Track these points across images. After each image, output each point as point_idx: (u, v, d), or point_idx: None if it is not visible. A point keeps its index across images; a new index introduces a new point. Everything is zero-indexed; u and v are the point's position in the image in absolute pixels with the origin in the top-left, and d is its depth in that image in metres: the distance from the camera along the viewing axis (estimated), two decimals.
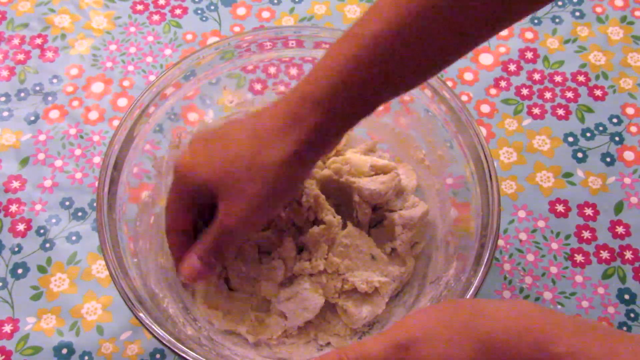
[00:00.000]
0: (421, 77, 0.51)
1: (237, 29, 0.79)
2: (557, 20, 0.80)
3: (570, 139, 0.73)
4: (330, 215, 0.58)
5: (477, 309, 0.41)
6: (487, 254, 0.51)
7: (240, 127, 0.50)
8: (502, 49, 0.78)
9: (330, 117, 0.47)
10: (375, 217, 0.61)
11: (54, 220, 0.68)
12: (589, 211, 0.69)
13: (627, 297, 0.65)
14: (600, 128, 0.73)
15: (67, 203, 0.69)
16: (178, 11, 0.81)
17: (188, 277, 0.52)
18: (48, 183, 0.70)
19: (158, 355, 0.62)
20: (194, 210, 0.52)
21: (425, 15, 0.45)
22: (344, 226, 0.59)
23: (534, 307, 0.40)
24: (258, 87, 0.65)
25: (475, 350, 0.39)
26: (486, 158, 0.55)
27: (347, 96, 0.47)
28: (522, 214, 0.69)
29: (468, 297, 0.50)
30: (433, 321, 0.41)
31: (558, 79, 0.76)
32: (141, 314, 0.49)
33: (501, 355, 0.38)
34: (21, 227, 0.68)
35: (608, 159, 0.71)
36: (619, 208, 0.69)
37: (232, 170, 0.48)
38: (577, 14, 0.80)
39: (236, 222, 0.49)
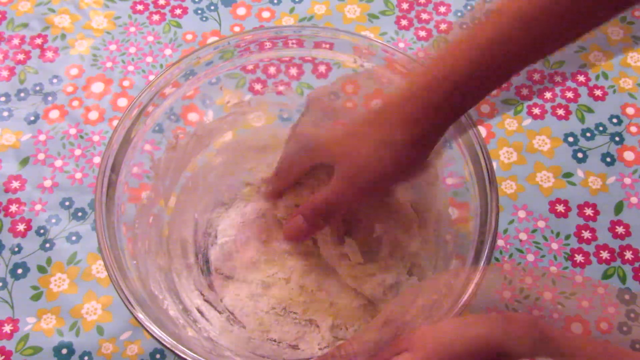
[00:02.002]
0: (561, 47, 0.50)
1: (237, 29, 0.79)
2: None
3: (570, 139, 0.73)
4: None
5: (492, 327, 0.41)
6: (486, 251, 0.51)
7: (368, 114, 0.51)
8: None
9: (465, 99, 0.48)
10: None
11: (54, 220, 0.68)
12: (589, 211, 0.69)
13: (627, 297, 0.65)
14: (600, 128, 0.73)
15: (67, 203, 0.69)
16: (178, 11, 0.81)
17: (291, 234, 0.54)
18: (48, 183, 0.70)
19: (158, 356, 0.62)
20: (303, 169, 0.55)
21: None
22: None
23: (540, 325, 0.40)
24: (258, 87, 0.65)
25: None
26: (485, 158, 0.55)
27: (477, 82, 0.47)
28: (522, 214, 0.69)
29: (467, 295, 0.50)
30: (433, 340, 0.41)
31: (558, 79, 0.76)
32: (141, 316, 0.49)
33: None
34: (21, 227, 0.68)
35: (608, 159, 0.71)
36: (619, 208, 0.69)
37: (358, 146, 0.49)
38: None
39: (350, 188, 0.50)
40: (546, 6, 0.44)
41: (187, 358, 0.48)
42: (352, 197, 0.51)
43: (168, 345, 0.48)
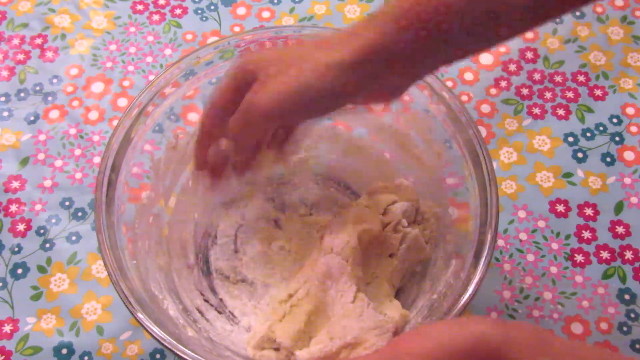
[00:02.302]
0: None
1: (237, 28, 0.79)
2: (557, 20, 0.80)
3: (571, 139, 0.73)
4: None
5: (479, 331, 0.39)
6: (486, 250, 0.51)
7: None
8: (503, 49, 0.78)
9: (391, 39, 0.46)
10: None
11: (54, 220, 0.68)
12: (589, 211, 0.69)
13: (627, 297, 0.65)
14: (601, 128, 0.73)
15: (67, 203, 0.69)
16: (178, 11, 0.81)
17: (213, 156, 0.53)
18: (48, 183, 0.70)
19: (158, 356, 0.62)
20: (237, 96, 0.51)
21: None
22: None
23: (537, 331, 0.39)
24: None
25: None
26: (485, 158, 0.55)
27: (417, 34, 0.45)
28: (522, 214, 0.69)
29: (468, 294, 0.50)
30: (427, 340, 0.40)
31: (558, 78, 0.76)
32: (141, 316, 0.49)
33: None
34: (21, 227, 0.68)
35: (608, 159, 0.71)
36: (619, 208, 0.69)
37: (283, 56, 0.48)
38: (578, 13, 0.80)
39: (266, 100, 0.47)
40: None
41: (187, 358, 0.48)
42: (268, 110, 0.48)
43: (168, 346, 0.48)
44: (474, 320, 0.40)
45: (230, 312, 0.61)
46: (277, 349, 0.54)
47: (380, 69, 0.47)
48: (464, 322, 0.40)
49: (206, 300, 0.61)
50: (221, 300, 0.61)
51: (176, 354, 0.48)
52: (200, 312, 0.59)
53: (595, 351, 0.39)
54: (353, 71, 0.47)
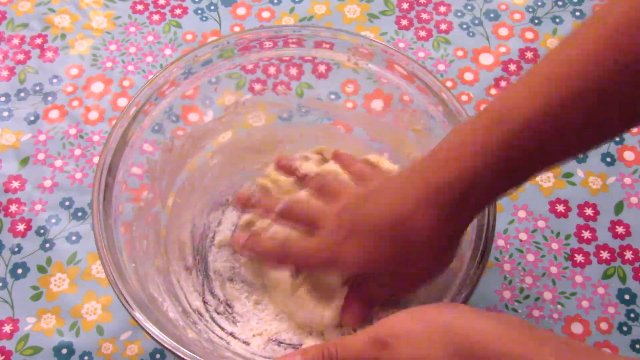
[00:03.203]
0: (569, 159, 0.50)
1: (237, 29, 0.79)
2: (557, 20, 0.80)
3: None
4: None
5: (460, 313, 0.41)
6: (484, 247, 0.51)
7: (392, 225, 0.50)
8: (503, 49, 0.78)
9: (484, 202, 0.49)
10: None
11: (53, 220, 0.68)
12: (589, 211, 0.69)
13: (627, 297, 0.65)
14: None
15: (67, 203, 0.69)
16: (178, 11, 0.81)
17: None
18: (48, 183, 0.70)
19: (158, 356, 0.62)
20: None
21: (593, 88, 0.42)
22: None
23: (518, 320, 0.41)
24: (258, 87, 0.65)
25: (451, 353, 0.39)
26: None
27: (496, 184, 0.47)
28: (522, 214, 0.69)
29: (466, 292, 0.50)
30: (415, 321, 0.42)
31: None
32: (140, 317, 0.49)
33: None
34: (21, 227, 0.68)
35: (608, 159, 0.71)
36: (619, 208, 0.69)
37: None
38: (577, 14, 0.80)
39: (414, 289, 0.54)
40: (555, 114, 0.43)
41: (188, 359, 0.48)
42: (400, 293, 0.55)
43: (169, 347, 0.48)
44: (447, 308, 0.43)
45: (229, 313, 0.61)
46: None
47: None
48: (441, 308, 0.43)
49: (205, 302, 0.61)
50: (220, 301, 0.61)
51: (177, 356, 0.48)
52: (199, 313, 0.59)
53: (558, 339, 0.40)
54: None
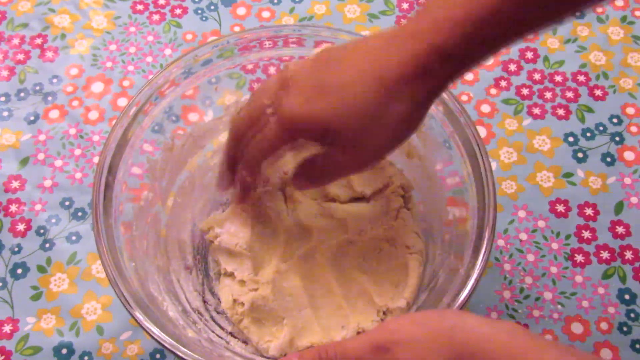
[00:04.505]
0: (554, 21, 0.48)
1: (237, 28, 0.79)
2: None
3: (571, 139, 0.72)
4: None
5: (461, 320, 0.41)
6: (484, 246, 0.51)
7: (359, 70, 0.46)
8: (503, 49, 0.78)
9: (458, 68, 0.46)
10: None
11: (53, 220, 0.68)
12: (589, 211, 0.69)
13: (627, 297, 0.65)
14: (601, 128, 0.73)
15: (67, 203, 0.69)
16: (178, 11, 0.81)
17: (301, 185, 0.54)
18: (48, 183, 0.70)
19: (158, 356, 0.62)
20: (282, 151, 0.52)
21: None
22: None
23: (520, 329, 0.40)
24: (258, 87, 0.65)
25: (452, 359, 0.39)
26: (482, 158, 0.55)
27: (479, 49, 0.45)
28: (522, 214, 0.69)
29: (467, 291, 0.50)
30: (416, 326, 0.41)
31: (558, 78, 0.76)
32: (141, 317, 0.49)
33: None
34: (21, 227, 0.68)
35: (608, 159, 0.71)
36: (619, 208, 0.69)
37: (360, 117, 0.46)
38: (578, 13, 0.80)
39: (357, 166, 0.51)
40: None
41: (188, 359, 0.48)
42: (354, 171, 0.51)
43: (169, 347, 0.48)
44: (449, 314, 0.43)
45: (225, 311, 0.61)
46: None
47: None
48: (443, 314, 0.43)
49: (205, 301, 0.61)
50: (219, 301, 0.61)
51: (177, 355, 0.48)
52: (199, 313, 0.59)
53: (559, 347, 0.40)
54: (425, 111, 0.48)
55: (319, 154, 0.50)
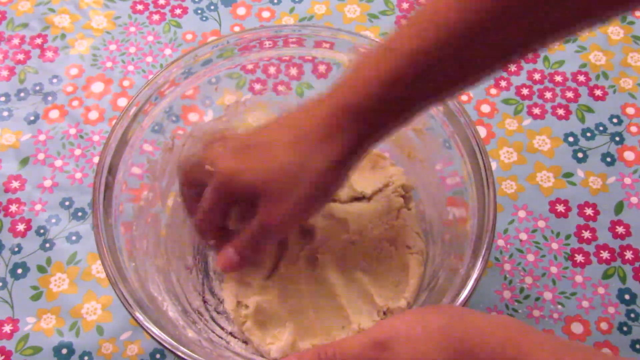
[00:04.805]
0: (462, 88, 0.51)
1: (237, 28, 0.79)
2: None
3: (571, 139, 0.72)
4: None
5: (459, 315, 0.42)
6: (484, 247, 0.51)
7: (281, 133, 0.51)
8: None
9: (371, 128, 0.49)
10: None
11: (53, 220, 0.68)
12: (589, 211, 0.69)
13: (627, 297, 0.65)
14: (601, 128, 0.73)
15: (67, 203, 0.69)
16: (178, 11, 0.81)
17: (225, 267, 0.55)
18: (48, 183, 0.70)
19: (158, 356, 0.62)
20: (228, 209, 0.55)
21: (463, 34, 0.45)
22: None
23: (515, 322, 0.41)
24: (258, 87, 0.65)
25: (450, 355, 0.40)
26: (483, 158, 0.55)
27: (387, 109, 0.48)
28: (522, 214, 0.69)
29: (467, 291, 0.50)
30: (413, 323, 0.42)
31: (558, 78, 0.76)
32: (141, 317, 0.49)
33: None
34: (21, 227, 0.68)
35: (608, 159, 0.71)
36: (619, 208, 0.69)
37: (279, 176, 0.50)
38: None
39: (279, 222, 0.51)
40: (438, 47, 0.45)
41: (188, 359, 0.48)
42: (281, 229, 0.53)
43: (169, 347, 0.48)
44: (446, 309, 0.44)
45: (229, 313, 0.61)
46: None
47: (366, 150, 0.51)
48: (440, 310, 0.44)
49: (205, 301, 0.61)
50: (220, 301, 0.61)
51: (177, 355, 0.48)
52: (199, 313, 0.59)
53: (556, 341, 0.40)
54: (345, 167, 0.51)
55: (249, 224, 0.53)
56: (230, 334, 0.59)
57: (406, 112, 0.49)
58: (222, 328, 0.59)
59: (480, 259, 0.51)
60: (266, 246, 0.57)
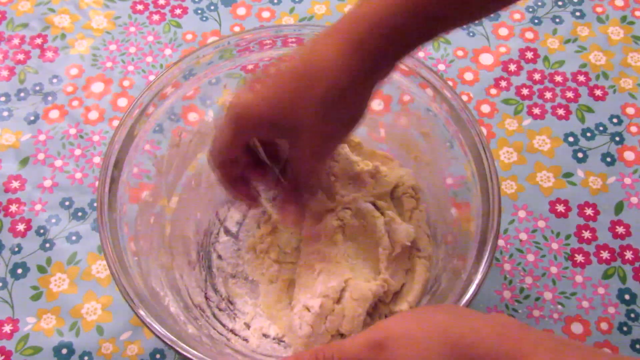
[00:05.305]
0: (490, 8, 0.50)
1: (237, 28, 0.79)
2: (557, 20, 0.80)
3: (571, 139, 0.73)
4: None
5: (457, 315, 0.42)
6: (488, 251, 0.51)
7: (300, 61, 0.49)
8: (503, 49, 0.78)
9: (396, 43, 0.48)
10: None
11: (53, 220, 0.68)
12: (589, 211, 0.69)
13: (627, 297, 0.65)
14: (601, 128, 0.73)
15: (67, 203, 0.69)
16: (178, 11, 0.81)
17: (293, 223, 0.56)
18: (48, 183, 0.70)
19: (158, 355, 0.62)
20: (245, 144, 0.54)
21: None
22: None
23: (513, 321, 0.41)
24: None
25: (448, 354, 0.39)
26: (487, 157, 0.55)
27: (413, 22, 0.47)
28: (522, 214, 0.69)
29: (469, 295, 0.50)
30: (411, 323, 0.42)
31: (558, 79, 0.76)
32: (142, 312, 0.49)
33: None
34: (21, 227, 0.68)
35: (608, 159, 0.71)
36: (619, 208, 0.69)
37: (303, 109, 0.48)
38: (578, 14, 0.80)
39: (315, 158, 0.52)
40: None
41: (188, 355, 0.48)
42: (319, 164, 0.54)
43: (168, 342, 0.48)
44: (444, 309, 0.43)
45: (231, 309, 0.61)
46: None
47: (389, 68, 0.50)
48: (438, 309, 0.44)
49: (207, 298, 0.61)
50: (222, 297, 0.61)
51: (176, 351, 0.48)
52: (201, 309, 0.59)
53: (555, 340, 0.40)
54: (367, 86, 0.50)
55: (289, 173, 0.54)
56: (231, 331, 0.59)
57: (433, 29, 0.49)
58: (224, 325, 0.59)
59: (483, 265, 0.51)
60: (314, 183, 0.57)
